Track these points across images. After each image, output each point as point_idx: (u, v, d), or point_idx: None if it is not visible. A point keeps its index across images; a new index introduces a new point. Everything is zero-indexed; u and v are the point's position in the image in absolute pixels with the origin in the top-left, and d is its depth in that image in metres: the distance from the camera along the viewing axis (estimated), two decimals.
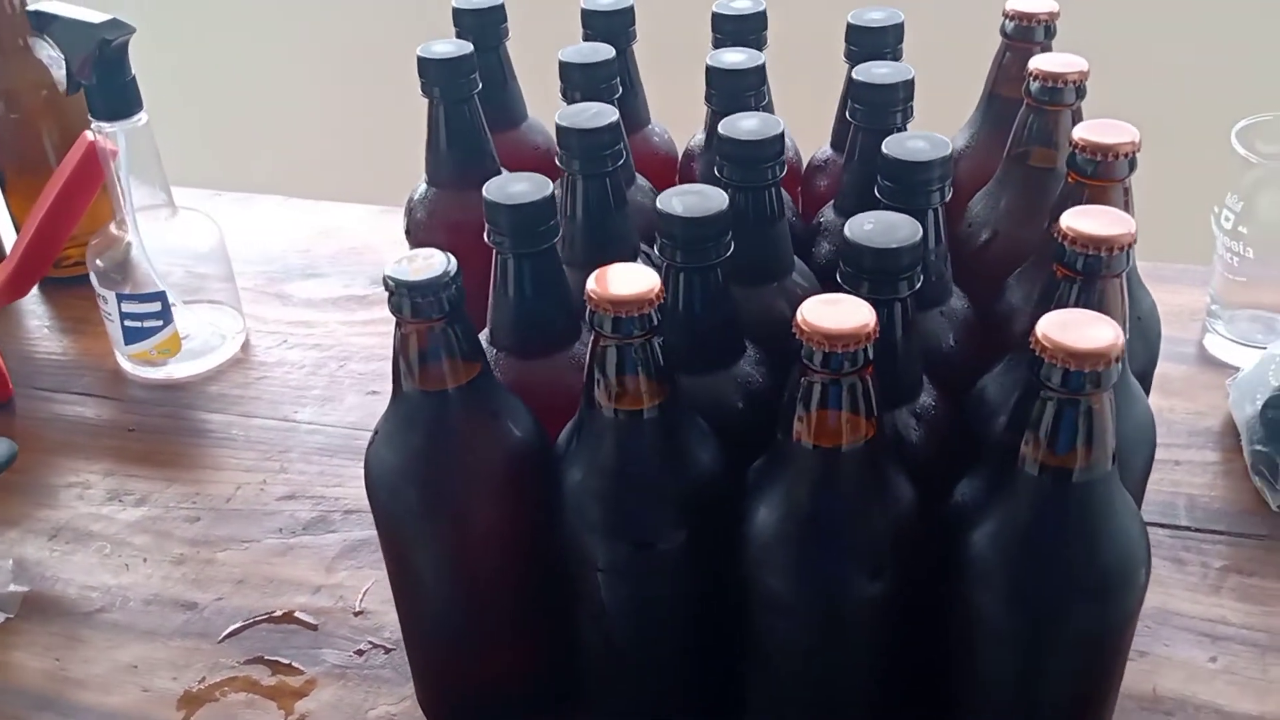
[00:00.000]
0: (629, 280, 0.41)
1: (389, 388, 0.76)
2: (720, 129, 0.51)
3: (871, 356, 0.38)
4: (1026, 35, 0.59)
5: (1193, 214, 0.73)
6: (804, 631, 0.43)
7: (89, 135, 0.73)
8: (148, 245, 0.74)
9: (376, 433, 0.46)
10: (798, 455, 0.40)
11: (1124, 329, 0.44)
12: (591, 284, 0.41)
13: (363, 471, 0.48)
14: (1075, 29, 0.61)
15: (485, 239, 0.49)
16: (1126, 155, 0.46)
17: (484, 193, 0.48)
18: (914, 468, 0.44)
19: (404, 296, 0.42)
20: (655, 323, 0.41)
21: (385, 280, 0.42)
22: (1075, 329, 0.37)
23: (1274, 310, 0.71)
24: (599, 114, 0.53)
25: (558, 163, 0.54)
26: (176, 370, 0.78)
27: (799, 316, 0.39)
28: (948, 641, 0.43)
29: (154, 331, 0.76)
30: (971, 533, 0.40)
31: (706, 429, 0.45)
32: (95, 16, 0.68)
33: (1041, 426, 0.38)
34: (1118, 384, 0.39)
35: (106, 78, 0.69)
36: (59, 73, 0.83)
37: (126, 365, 0.78)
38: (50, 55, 0.82)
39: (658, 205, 0.47)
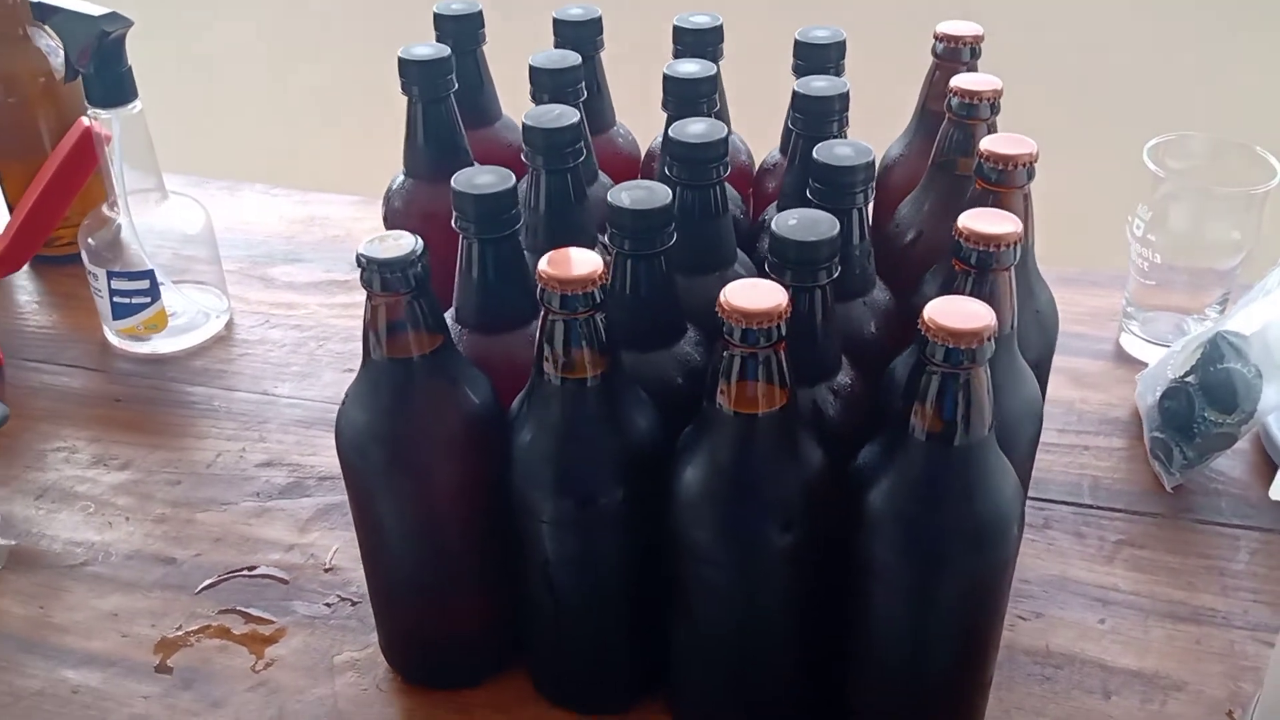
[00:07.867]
0: (576, 262, 0.46)
1: None
2: (670, 131, 0.56)
3: (784, 333, 0.44)
4: (954, 56, 0.65)
5: (1114, 223, 0.80)
6: (723, 581, 0.48)
7: (85, 120, 0.78)
8: (138, 227, 0.79)
9: (347, 397, 0.51)
10: (721, 420, 0.46)
11: (1015, 318, 0.50)
12: (543, 265, 0.46)
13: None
14: (999, 52, 0.67)
15: (453, 225, 0.54)
16: (1025, 165, 0.52)
17: (452, 183, 0.53)
18: (831, 436, 0.50)
19: (374, 272, 0.47)
20: (598, 300, 0.46)
21: (357, 258, 0.47)
22: (955, 312, 0.42)
23: (1182, 311, 0.78)
24: (562, 115, 0.58)
25: (523, 158, 0.59)
26: (162, 345, 0.82)
27: (721, 297, 0.44)
28: (851, 591, 0.49)
29: (141, 308, 0.80)
30: (869, 491, 0.46)
31: (645, 398, 0.50)
32: (95, 9, 0.73)
33: (927, 397, 0.43)
34: (1003, 365, 0.44)
35: (104, 67, 0.74)
36: (57, 61, 0.88)
37: (114, 339, 0.83)
38: (49, 44, 0.87)
39: (608, 198, 0.52)
